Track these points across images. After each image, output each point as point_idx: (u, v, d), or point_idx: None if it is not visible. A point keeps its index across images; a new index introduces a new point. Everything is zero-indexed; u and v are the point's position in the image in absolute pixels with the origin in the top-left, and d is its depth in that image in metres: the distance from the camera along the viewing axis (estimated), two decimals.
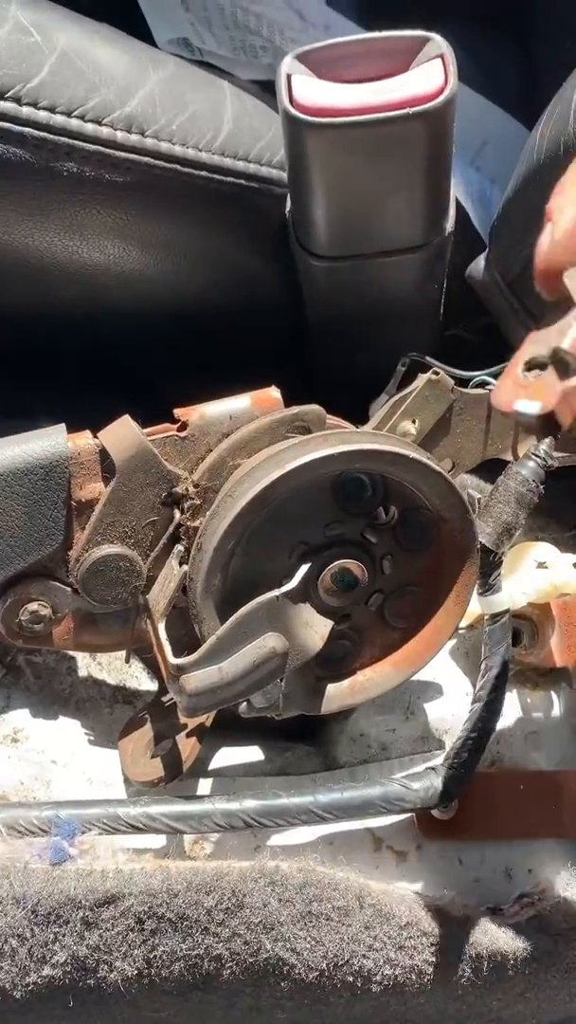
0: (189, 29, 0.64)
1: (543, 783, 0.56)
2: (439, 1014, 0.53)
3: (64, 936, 0.45)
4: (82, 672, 0.57)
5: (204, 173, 0.55)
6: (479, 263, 0.66)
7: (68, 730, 0.55)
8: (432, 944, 0.49)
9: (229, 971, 0.47)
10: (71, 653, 0.57)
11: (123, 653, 0.59)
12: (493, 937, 0.50)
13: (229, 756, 0.56)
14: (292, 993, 0.49)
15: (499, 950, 0.50)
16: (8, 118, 0.48)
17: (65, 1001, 0.47)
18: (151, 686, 0.58)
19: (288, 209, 0.58)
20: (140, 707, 0.56)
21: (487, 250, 0.66)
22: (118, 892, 0.46)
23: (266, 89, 0.66)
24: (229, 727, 0.57)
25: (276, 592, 0.46)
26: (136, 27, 0.62)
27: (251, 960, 0.47)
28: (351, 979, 0.48)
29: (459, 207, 0.62)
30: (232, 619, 0.46)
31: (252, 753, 0.56)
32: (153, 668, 0.55)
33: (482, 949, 0.49)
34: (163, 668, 0.48)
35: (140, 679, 0.58)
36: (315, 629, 0.49)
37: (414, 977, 0.49)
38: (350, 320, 0.62)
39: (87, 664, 0.57)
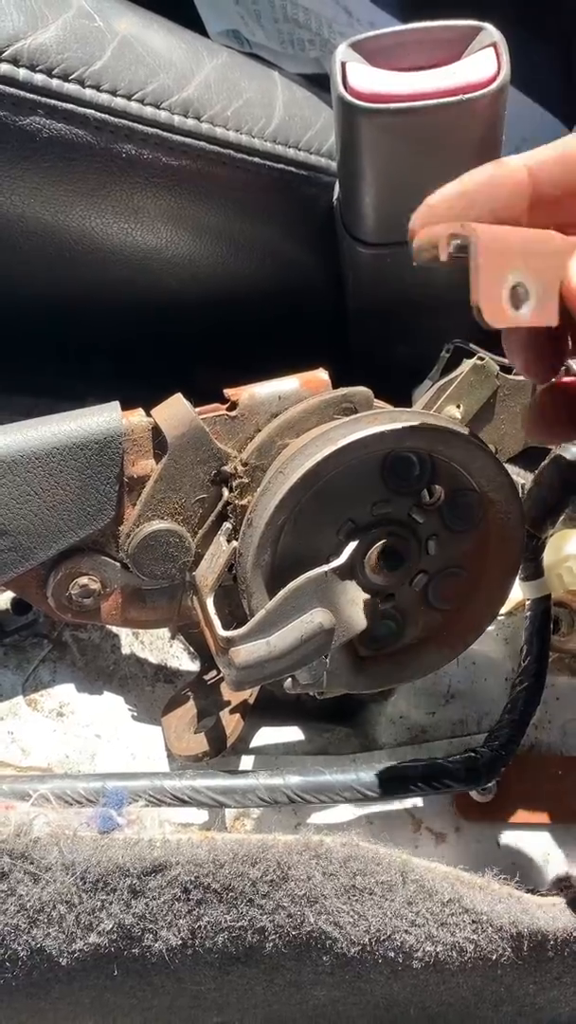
0: (239, 21, 0.65)
1: None
2: (476, 996, 0.53)
3: (111, 904, 0.46)
4: (125, 650, 0.58)
5: (256, 159, 0.56)
6: None
7: (112, 706, 0.55)
8: (474, 922, 0.49)
9: (272, 944, 0.48)
10: (115, 631, 0.57)
11: (164, 634, 0.59)
12: (534, 917, 0.50)
13: (270, 736, 0.57)
14: (333, 968, 0.49)
15: (539, 930, 0.50)
16: (72, 99, 0.49)
17: (110, 971, 0.47)
18: (191, 666, 0.59)
19: (336, 197, 0.59)
20: (182, 685, 0.56)
21: None
22: (165, 861, 0.46)
23: (312, 82, 0.67)
24: (269, 708, 0.57)
25: (325, 567, 0.47)
26: (188, 19, 0.63)
27: (294, 933, 0.48)
28: (392, 955, 0.49)
29: None
30: (281, 593, 0.46)
31: (292, 733, 0.57)
32: (196, 645, 0.56)
33: (523, 928, 0.49)
34: (211, 642, 0.48)
35: (181, 659, 0.59)
36: (361, 607, 0.49)
37: (455, 955, 0.49)
38: (393, 308, 0.62)
39: (130, 642, 0.58)
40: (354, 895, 0.48)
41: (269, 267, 0.62)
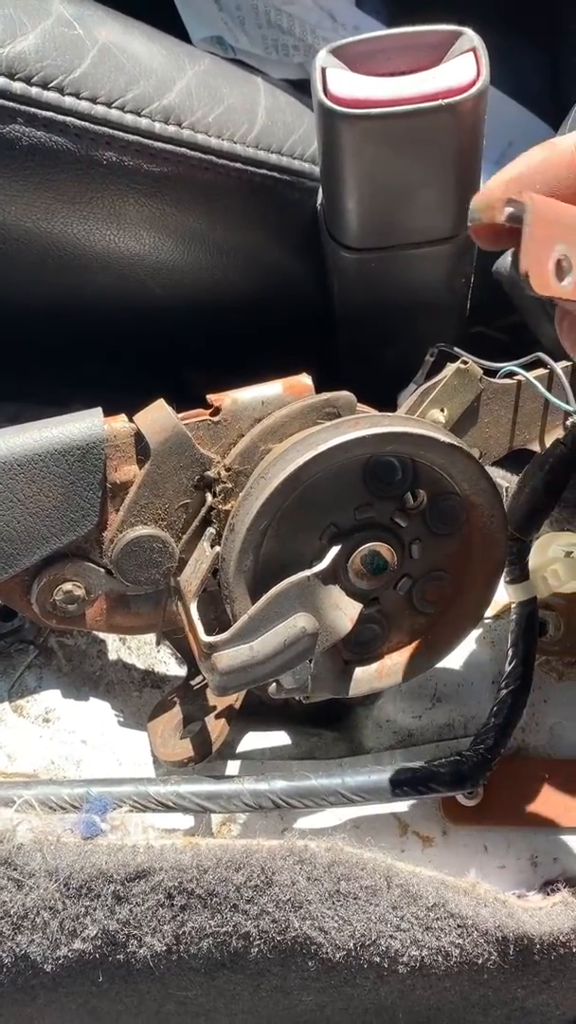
0: (223, 28, 0.65)
1: (568, 772, 0.57)
2: (463, 1000, 0.53)
3: (95, 910, 0.46)
4: (112, 656, 0.58)
5: (238, 165, 0.56)
6: (506, 259, 0.66)
7: (98, 712, 0.55)
8: (459, 926, 0.49)
9: (257, 949, 0.48)
10: (101, 636, 0.57)
11: (152, 639, 0.59)
12: (519, 921, 0.50)
13: (256, 740, 0.57)
14: (319, 973, 0.49)
15: (525, 933, 0.50)
16: (51, 107, 0.49)
17: (95, 977, 0.47)
18: (179, 671, 0.59)
19: (319, 202, 0.59)
20: (169, 690, 0.56)
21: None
22: (149, 867, 0.46)
23: (297, 87, 0.67)
24: (256, 713, 0.57)
25: (308, 572, 0.47)
26: (171, 26, 0.63)
27: (279, 938, 0.48)
28: (378, 960, 0.49)
29: None
30: (264, 598, 0.46)
31: (279, 738, 0.57)
32: (182, 651, 0.56)
33: (508, 932, 0.49)
34: (195, 647, 0.48)
35: (168, 664, 0.59)
36: (344, 611, 0.49)
37: (440, 959, 0.49)
38: (378, 312, 0.62)
39: (117, 648, 0.58)
40: (338, 900, 0.48)
41: (253, 272, 0.62)
